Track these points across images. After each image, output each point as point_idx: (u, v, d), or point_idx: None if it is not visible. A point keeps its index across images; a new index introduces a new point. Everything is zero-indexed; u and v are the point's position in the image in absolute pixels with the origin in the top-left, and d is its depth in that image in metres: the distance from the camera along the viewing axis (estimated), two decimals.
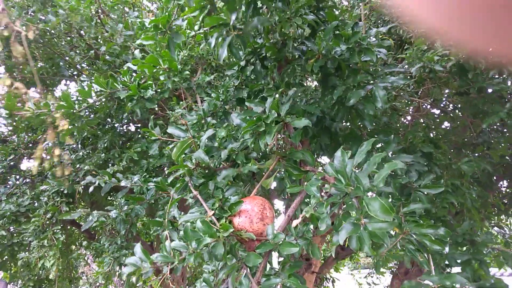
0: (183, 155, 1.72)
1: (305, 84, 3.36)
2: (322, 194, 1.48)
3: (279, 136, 1.90)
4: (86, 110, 4.23)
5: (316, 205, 1.36)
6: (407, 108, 3.08)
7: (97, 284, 5.21)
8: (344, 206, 1.25)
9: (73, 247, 4.36)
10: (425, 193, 1.70)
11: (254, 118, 1.62)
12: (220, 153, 1.72)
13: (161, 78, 2.13)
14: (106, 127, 3.70)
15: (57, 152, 2.51)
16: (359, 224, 1.14)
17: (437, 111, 3.32)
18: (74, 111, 2.02)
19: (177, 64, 1.96)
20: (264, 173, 1.85)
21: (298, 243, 1.37)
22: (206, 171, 1.76)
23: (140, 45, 2.72)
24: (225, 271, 1.38)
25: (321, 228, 1.22)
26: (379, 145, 1.87)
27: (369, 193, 1.21)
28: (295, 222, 1.42)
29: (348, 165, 1.27)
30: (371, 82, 1.88)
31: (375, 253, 1.28)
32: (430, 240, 1.38)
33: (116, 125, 3.75)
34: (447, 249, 1.46)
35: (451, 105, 3.22)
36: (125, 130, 3.97)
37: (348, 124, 2.17)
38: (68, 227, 4.65)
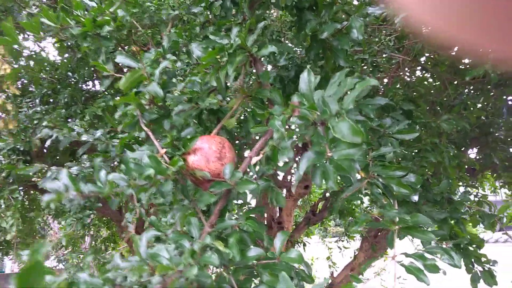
0: (135, 89, 1.51)
1: (282, 41, 3.14)
2: (288, 128, 1.32)
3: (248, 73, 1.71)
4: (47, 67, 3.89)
5: (280, 141, 1.20)
6: (388, 66, 2.93)
7: (63, 250, 5.01)
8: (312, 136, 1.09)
9: (34, 212, 4.10)
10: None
11: (216, 48, 1.42)
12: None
13: (120, 12, 1.87)
14: (67, 81, 3.39)
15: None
16: (323, 153, 0.98)
17: (417, 73, 3.19)
18: (19, 47, 1.73)
19: None
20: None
21: (258, 183, 1.21)
22: (162, 111, 1.56)
23: None
24: (174, 213, 1.21)
25: (281, 161, 1.06)
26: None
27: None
28: (254, 160, 1.26)
29: (316, 90, 1.10)
30: (348, 19, 1.70)
31: (338, 187, 1.14)
32: (398, 184, 1.25)
33: (78, 80, 3.44)
34: (416, 197, 1.34)
35: (430, 74, 3.09)
36: (90, 89, 3.67)
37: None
38: (31, 192, 4.38)
